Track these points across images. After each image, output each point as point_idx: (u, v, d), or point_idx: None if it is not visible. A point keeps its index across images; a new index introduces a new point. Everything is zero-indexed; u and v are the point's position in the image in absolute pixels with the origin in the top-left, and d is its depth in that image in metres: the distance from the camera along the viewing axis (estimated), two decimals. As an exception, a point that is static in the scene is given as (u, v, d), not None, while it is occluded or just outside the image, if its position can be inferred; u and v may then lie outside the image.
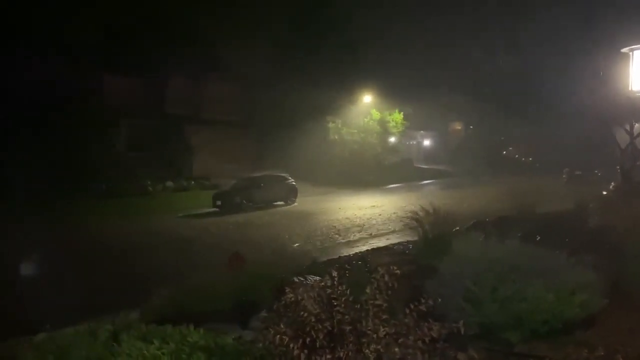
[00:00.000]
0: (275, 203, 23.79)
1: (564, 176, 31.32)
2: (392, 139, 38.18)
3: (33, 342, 4.73)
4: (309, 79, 36.88)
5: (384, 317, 3.71)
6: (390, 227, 15.74)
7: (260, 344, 3.87)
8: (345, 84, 36.87)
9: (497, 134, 49.69)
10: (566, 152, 42.87)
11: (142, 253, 13.58)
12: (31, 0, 24.52)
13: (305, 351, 3.53)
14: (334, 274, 3.89)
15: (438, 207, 9.25)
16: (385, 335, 3.62)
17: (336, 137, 34.65)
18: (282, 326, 3.67)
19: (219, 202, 22.66)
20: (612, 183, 18.64)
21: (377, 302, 3.76)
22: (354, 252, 10.58)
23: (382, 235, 14.49)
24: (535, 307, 4.29)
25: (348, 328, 3.64)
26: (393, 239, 12.40)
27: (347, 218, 18.11)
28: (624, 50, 8.71)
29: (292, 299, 3.83)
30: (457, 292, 4.63)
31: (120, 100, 29.25)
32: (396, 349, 3.56)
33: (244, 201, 22.51)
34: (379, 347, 3.54)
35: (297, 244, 12.93)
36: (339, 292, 3.79)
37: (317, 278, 6.56)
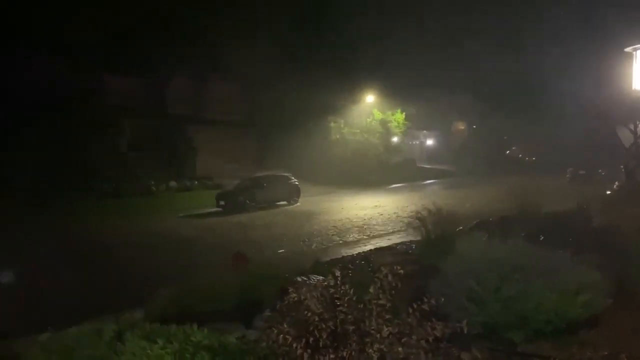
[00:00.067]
0: (278, 203, 23.80)
1: (567, 176, 31.23)
2: (395, 139, 38.15)
3: (38, 341, 4.75)
4: (311, 78, 36.88)
5: (387, 316, 3.72)
6: (393, 227, 15.73)
7: (264, 344, 3.88)
8: (348, 83, 36.86)
9: (500, 133, 49.58)
10: (570, 151, 42.77)
11: (145, 253, 13.60)
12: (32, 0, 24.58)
13: (309, 351, 3.54)
14: (337, 273, 3.90)
15: (441, 207, 9.25)
16: (388, 335, 3.62)
17: (338, 136, 34.64)
18: (285, 326, 3.68)
19: (222, 202, 22.69)
20: (616, 182, 18.59)
21: (381, 302, 3.77)
22: (356, 252, 10.58)
23: (384, 235, 14.48)
24: (539, 307, 4.28)
25: (351, 328, 3.65)
26: (396, 239, 12.39)
27: (349, 218, 18.11)
28: (628, 49, 8.70)
29: (295, 298, 3.84)
30: (460, 292, 4.62)
31: (122, 100, 29.32)
32: (399, 349, 3.56)
33: (247, 201, 22.53)
34: (382, 346, 3.54)
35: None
36: (342, 291, 3.79)
37: (320, 278, 6.56)
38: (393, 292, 3.83)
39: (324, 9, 39.00)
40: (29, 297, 8.95)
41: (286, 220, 18.62)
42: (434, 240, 8.29)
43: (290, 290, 4.04)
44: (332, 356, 3.51)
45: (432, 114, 46.38)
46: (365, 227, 16.08)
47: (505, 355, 4.34)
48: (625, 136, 17.45)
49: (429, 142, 54.92)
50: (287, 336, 3.58)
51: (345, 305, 3.73)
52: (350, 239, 14.15)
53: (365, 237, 14.42)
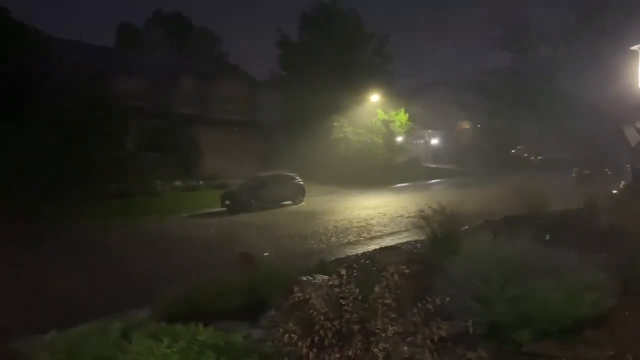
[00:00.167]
0: (283, 203, 23.83)
1: (573, 175, 31.07)
2: (399, 139, 38.09)
3: (45, 340, 4.78)
4: (316, 78, 36.94)
5: (393, 316, 3.72)
6: (397, 227, 15.72)
7: (269, 343, 3.90)
8: (353, 83, 36.86)
9: (505, 132, 49.40)
10: (575, 150, 42.59)
11: (150, 252, 13.66)
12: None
13: (314, 350, 3.54)
14: (342, 273, 3.90)
15: (446, 207, 9.23)
16: (393, 334, 3.62)
17: (341, 135, 34.60)
18: (290, 325, 3.69)
19: (227, 202, 22.75)
20: (622, 182, 18.47)
21: (386, 301, 3.77)
22: (361, 252, 10.57)
23: (389, 234, 14.47)
24: (545, 307, 4.27)
25: (356, 327, 3.65)
26: (401, 238, 12.37)
27: (354, 218, 18.11)
28: (634, 48, 8.66)
29: (301, 297, 3.85)
30: (465, 292, 4.61)
31: (128, 100, 29.45)
32: (405, 348, 3.56)
33: (252, 201, 22.56)
34: (387, 345, 3.55)
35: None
36: (347, 291, 3.80)
37: (325, 277, 6.56)
38: (398, 291, 3.83)
39: (329, 8, 39.04)
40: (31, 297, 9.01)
41: (291, 220, 18.64)
42: (439, 239, 8.27)
43: (295, 290, 4.04)
44: (337, 355, 3.51)
45: (437, 113, 46.34)
46: (369, 226, 16.08)
47: (511, 355, 4.33)
48: (632, 135, 17.33)
49: (434, 141, 54.79)
50: (293, 335, 3.59)
51: (351, 304, 3.74)
52: (355, 239, 14.15)
53: (369, 236, 14.41)
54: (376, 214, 18.88)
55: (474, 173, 39.20)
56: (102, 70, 26.90)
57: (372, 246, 11.65)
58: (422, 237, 9.80)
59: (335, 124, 34.60)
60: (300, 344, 3.55)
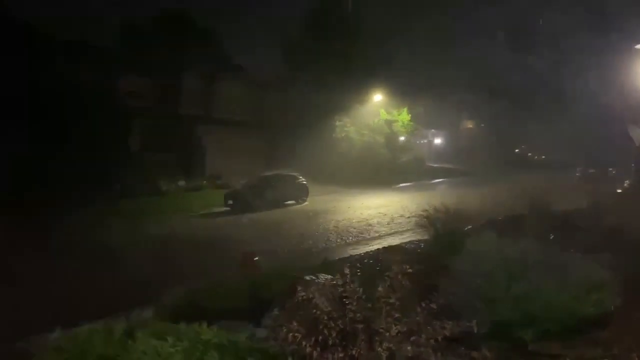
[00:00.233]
0: (287, 202, 23.83)
1: (577, 174, 31.00)
2: (402, 138, 38.04)
3: (50, 339, 4.80)
4: (319, 79, 36.92)
5: (396, 315, 3.72)
6: (400, 226, 15.70)
7: (273, 342, 3.90)
8: (356, 83, 36.82)
9: (509, 132, 49.29)
10: (579, 150, 42.45)
11: (154, 252, 13.68)
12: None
13: (318, 349, 3.54)
14: (346, 272, 3.91)
15: (450, 206, 9.22)
16: (397, 334, 3.62)
17: (343, 134, 34.58)
18: (294, 324, 3.69)
19: (230, 202, 22.77)
20: (626, 181, 18.42)
21: (390, 301, 3.77)
22: (365, 251, 10.57)
23: (393, 234, 14.46)
24: (549, 306, 4.26)
25: (360, 326, 3.65)
26: (404, 238, 12.36)
27: (357, 217, 18.10)
28: (639, 46, 8.62)
29: (304, 297, 3.85)
30: (470, 291, 4.61)
31: (133, 100, 29.51)
32: (409, 348, 3.56)
33: (256, 200, 22.57)
34: (391, 345, 3.55)
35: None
36: (351, 290, 3.80)
37: (329, 277, 6.57)
38: (402, 291, 3.83)
39: (333, 9, 39.03)
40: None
41: (294, 220, 18.65)
42: (443, 239, 8.26)
43: (299, 289, 4.05)
44: (341, 355, 3.51)
45: (441, 113, 46.24)
46: (372, 226, 16.07)
47: (515, 354, 4.32)
48: (636, 134, 17.25)
49: (438, 140, 54.74)
50: (296, 334, 3.59)
51: (354, 304, 3.74)
52: (358, 238, 14.15)
53: (372, 236, 14.40)
54: (379, 213, 18.86)
55: (478, 172, 39.14)
56: (106, 71, 26.91)
57: (376, 246, 11.65)
58: (426, 237, 9.80)
59: (338, 123, 34.60)
60: (304, 343, 3.55)
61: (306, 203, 24.18)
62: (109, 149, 22.34)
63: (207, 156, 31.60)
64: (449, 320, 3.74)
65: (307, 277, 6.76)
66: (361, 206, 21.45)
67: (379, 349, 3.51)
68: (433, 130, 52.24)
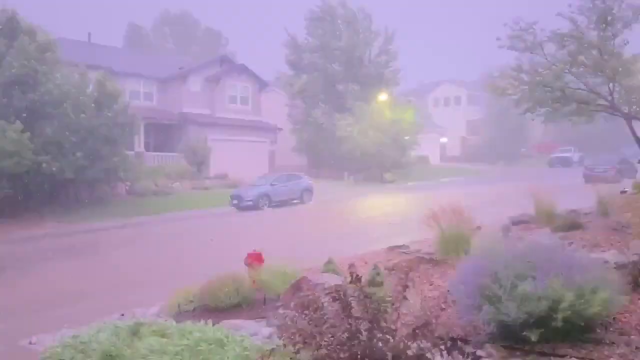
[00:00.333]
0: (292, 201, 23.87)
1: (583, 172, 30.82)
2: (407, 137, 37.96)
3: (57, 336, 4.83)
4: (323, 77, 36.95)
5: (402, 314, 3.71)
6: (406, 226, 15.66)
7: (278, 340, 3.90)
8: (360, 82, 36.83)
9: (516, 131, 49.08)
10: (585, 148, 42.27)
11: (160, 251, 13.73)
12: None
13: (323, 348, 3.54)
14: (352, 270, 3.91)
15: (456, 205, 9.18)
16: (402, 333, 3.62)
17: (349, 135, 34.55)
18: (299, 323, 3.69)
19: (235, 201, 22.84)
20: (633, 179, 18.27)
21: (395, 300, 3.77)
22: (370, 250, 10.55)
23: (398, 233, 14.43)
24: (556, 305, 4.24)
25: (365, 325, 3.65)
26: (410, 237, 12.33)
27: (362, 216, 18.10)
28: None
29: (309, 296, 3.85)
30: (475, 290, 4.59)
31: (138, 101, 29.64)
32: (414, 346, 3.56)
33: (261, 200, 22.62)
34: (397, 344, 3.54)
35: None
36: (356, 289, 3.80)
37: (335, 276, 6.59)
38: (407, 289, 3.83)
39: (336, 7, 39.03)
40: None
41: (299, 219, 18.68)
42: (449, 238, 8.23)
43: (304, 288, 4.05)
44: (346, 354, 3.51)
45: (445, 112, 46.17)
46: (377, 225, 16.06)
47: (521, 354, 4.31)
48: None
49: (443, 139, 54.60)
50: (302, 333, 3.59)
51: (359, 302, 3.73)
52: (364, 238, 14.13)
53: (378, 235, 14.38)
54: (384, 212, 18.86)
55: (484, 171, 39.03)
56: (111, 71, 27.02)
57: (381, 245, 11.63)
58: (431, 236, 9.77)
59: (343, 122, 34.63)
60: (309, 342, 3.55)
61: (311, 202, 24.21)
62: (116, 150, 22.44)
63: (213, 156, 31.71)
64: (454, 320, 3.73)
65: (312, 276, 6.77)
66: (367, 205, 21.46)
67: (384, 348, 3.51)
68: (439, 129, 52.13)
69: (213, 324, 4.40)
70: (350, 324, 3.64)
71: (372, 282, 5.29)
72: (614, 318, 4.68)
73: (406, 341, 3.53)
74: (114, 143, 21.93)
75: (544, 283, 4.40)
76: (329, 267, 7.50)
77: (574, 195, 12.17)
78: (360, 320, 3.64)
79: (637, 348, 4.19)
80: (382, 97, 36.52)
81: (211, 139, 31.55)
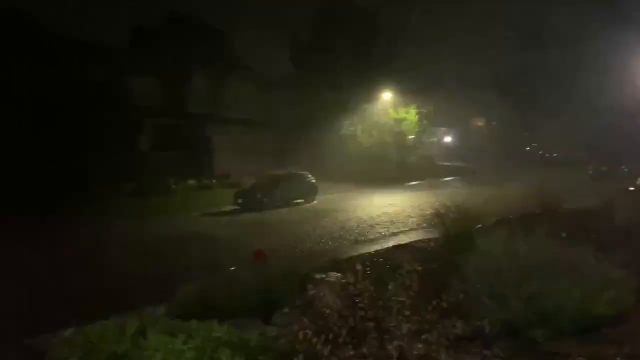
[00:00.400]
0: (296, 201, 23.86)
1: (589, 172, 30.71)
2: (411, 137, 37.93)
3: (63, 336, 4.84)
4: (327, 76, 36.91)
5: (407, 313, 3.71)
6: (411, 225, 15.66)
7: (284, 340, 3.90)
8: (364, 81, 36.76)
9: (520, 129, 48.98)
10: (591, 147, 42.07)
11: (165, 251, 13.77)
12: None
13: (328, 347, 3.54)
14: (357, 269, 3.90)
15: (460, 204, 9.17)
16: (408, 332, 3.61)
17: (352, 134, 34.52)
18: (305, 322, 3.69)
19: (240, 200, 22.84)
20: (639, 178, 18.23)
21: (400, 299, 3.76)
22: (375, 250, 10.55)
23: (403, 232, 14.42)
24: (562, 305, 4.22)
25: (371, 324, 3.65)
26: (414, 236, 12.33)
27: (366, 216, 18.08)
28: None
29: (315, 295, 3.85)
30: (481, 289, 4.58)
31: (143, 100, 29.71)
32: (419, 346, 3.55)
33: (265, 199, 22.62)
34: (402, 343, 3.53)
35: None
36: (361, 288, 3.80)
37: (339, 275, 6.57)
38: (412, 289, 3.82)
39: (340, 6, 38.99)
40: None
41: (303, 218, 18.67)
42: (454, 237, 8.23)
43: (309, 287, 4.05)
44: (351, 352, 3.51)
45: (451, 111, 46.03)
46: (381, 224, 16.04)
47: (528, 353, 4.29)
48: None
49: (447, 139, 54.48)
50: (307, 332, 3.59)
51: (365, 301, 3.73)
52: (368, 237, 14.13)
53: (382, 234, 14.38)
54: (388, 212, 18.83)
55: (488, 171, 38.92)
56: (116, 70, 27.13)
57: (386, 244, 11.63)
58: (436, 235, 9.76)
59: (347, 122, 34.61)
60: (314, 341, 3.55)
61: (315, 202, 24.19)
62: (120, 149, 22.51)
63: (217, 155, 31.73)
64: (460, 319, 3.72)
65: (317, 275, 6.77)
66: (370, 205, 21.43)
67: (390, 347, 3.50)
68: (443, 128, 52.01)
69: (219, 323, 4.40)
70: (355, 322, 3.64)
71: (378, 281, 5.29)
72: (621, 317, 4.66)
73: (412, 340, 3.53)
74: None
75: (550, 282, 4.39)
76: (334, 265, 7.50)
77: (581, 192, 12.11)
78: (366, 319, 3.64)
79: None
80: (386, 96, 36.47)
81: (216, 137, 31.43)
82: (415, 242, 10.80)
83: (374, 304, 3.75)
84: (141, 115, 27.98)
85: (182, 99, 32.95)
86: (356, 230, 15.20)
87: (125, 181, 24.51)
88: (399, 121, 36.19)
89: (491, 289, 4.53)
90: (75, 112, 22.29)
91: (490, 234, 6.82)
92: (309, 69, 38.12)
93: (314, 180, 25.59)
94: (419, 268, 3.89)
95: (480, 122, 55.96)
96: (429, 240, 10.24)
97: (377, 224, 16.16)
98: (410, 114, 36.61)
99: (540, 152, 54.68)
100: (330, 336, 3.58)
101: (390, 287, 3.85)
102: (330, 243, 13.52)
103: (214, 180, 29.56)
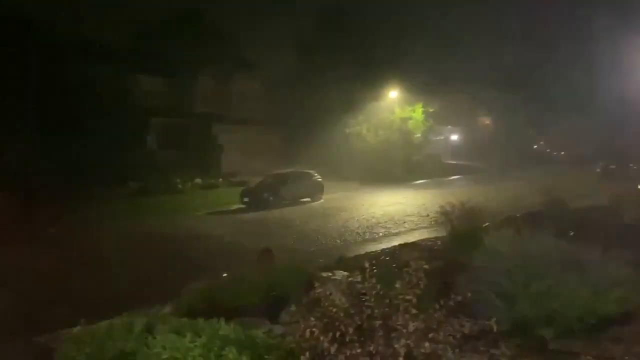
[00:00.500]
0: (302, 199, 23.87)
1: (597, 170, 30.48)
2: (418, 135, 37.80)
3: (71, 334, 4.87)
4: (334, 75, 36.86)
5: (414, 312, 3.69)
6: (418, 223, 15.63)
7: (290, 338, 3.91)
8: (372, 80, 36.68)
9: (527, 128, 48.69)
10: (599, 145, 41.77)
11: (172, 250, 13.81)
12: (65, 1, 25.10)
13: (335, 345, 3.54)
14: (364, 267, 3.90)
15: (467, 203, 9.14)
16: (415, 331, 3.60)
17: (358, 133, 34.44)
18: (311, 320, 3.69)
19: (246, 199, 22.87)
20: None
21: (407, 297, 3.75)
22: (381, 248, 10.54)
23: (409, 231, 14.39)
24: (570, 303, 4.20)
25: (378, 323, 3.64)
26: (421, 235, 12.30)
27: (373, 214, 18.05)
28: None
29: (321, 293, 3.85)
30: (488, 288, 4.57)
31: (150, 100, 29.83)
32: (426, 344, 3.54)
33: (271, 198, 22.63)
34: (409, 342, 3.53)
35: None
36: (368, 287, 3.79)
37: (346, 273, 6.57)
38: (419, 287, 3.81)
39: (345, 6, 38.98)
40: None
41: (310, 217, 18.66)
42: (461, 235, 8.20)
43: (316, 286, 4.05)
44: (358, 351, 3.51)
45: (457, 109, 45.83)
46: (388, 223, 16.01)
47: (536, 352, 4.27)
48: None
49: (454, 137, 54.25)
50: (314, 330, 3.59)
51: (372, 300, 3.72)
52: (374, 235, 14.11)
53: (389, 233, 14.35)
54: (395, 210, 18.79)
55: (495, 169, 38.76)
56: (123, 70, 27.22)
57: (392, 243, 11.61)
58: (443, 234, 9.73)
59: (352, 121, 34.53)
60: (321, 339, 3.55)
61: (322, 200, 24.18)
62: (128, 148, 22.58)
63: (223, 154, 31.77)
64: (468, 318, 3.70)
65: (324, 274, 6.77)
66: (377, 203, 21.40)
67: (397, 345, 3.50)
68: (449, 126, 51.81)
69: (226, 322, 4.41)
70: (362, 321, 3.64)
71: (384, 280, 5.28)
72: (629, 315, 4.63)
73: (419, 339, 3.52)
74: None
75: (557, 280, 4.36)
76: (341, 264, 7.51)
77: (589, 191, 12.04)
78: (373, 318, 3.63)
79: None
80: (393, 94, 36.38)
81: (223, 136, 31.55)
82: (422, 240, 10.78)
83: (380, 303, 3.74)
84: (148, 114, 28.05)
85: (189, 98, 33.08)
86: (362, 229, 15.18)
87: (131, 180, 24.61)
88: (405, 119, 36.04)
89: (499, 287, 4.51)
90: (82, 110, 22.39)
91: (498, 232, 6.79)
92: (315, 67, 38.12)
93: (320, 179, 25.58)
94: (426, 266, 3.88)
95: (487, 120, 55.67)
96: (436, 238, 10.22)
97: (383, 222, 16.14)
98: (417, 112, 36.49)
99: (547, 150, 54.36)
100: (337, 334, 3.57)
101: (397, 285, 3.84)
102: (336, 241, 13.52)
103: (220, 179, 29.60)
